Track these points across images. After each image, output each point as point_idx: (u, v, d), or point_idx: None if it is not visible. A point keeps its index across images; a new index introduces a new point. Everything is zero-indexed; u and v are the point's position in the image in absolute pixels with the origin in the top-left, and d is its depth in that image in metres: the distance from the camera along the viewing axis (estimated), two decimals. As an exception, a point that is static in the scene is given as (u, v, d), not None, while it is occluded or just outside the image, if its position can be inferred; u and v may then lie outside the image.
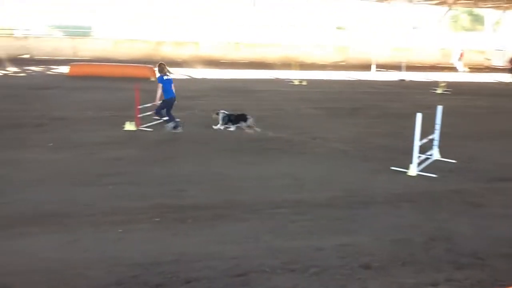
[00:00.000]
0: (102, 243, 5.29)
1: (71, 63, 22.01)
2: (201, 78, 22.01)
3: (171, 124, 10.76)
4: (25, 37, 29.06)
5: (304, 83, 21.00)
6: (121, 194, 6.80)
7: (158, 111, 10.73)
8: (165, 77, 10.64)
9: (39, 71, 22.97)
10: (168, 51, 29.50)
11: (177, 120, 10.85)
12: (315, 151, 9.65)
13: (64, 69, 21.90)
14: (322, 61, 31.12)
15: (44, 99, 14.74)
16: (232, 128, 11.09)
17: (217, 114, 11.27)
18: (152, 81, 19.31)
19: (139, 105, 10.96)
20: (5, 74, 21.54)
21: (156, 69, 11.02)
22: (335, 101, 16.49)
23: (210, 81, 21.10)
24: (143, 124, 10.97)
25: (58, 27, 32.93)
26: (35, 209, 6.16)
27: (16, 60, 25.98)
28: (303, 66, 26.39)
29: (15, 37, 29.37)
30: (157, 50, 29.38)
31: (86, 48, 28.88)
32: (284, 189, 7.28)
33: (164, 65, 10.81)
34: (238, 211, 6.34)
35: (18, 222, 5.75)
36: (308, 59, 30.79)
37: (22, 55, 27.77)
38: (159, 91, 10.57)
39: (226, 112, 11.26)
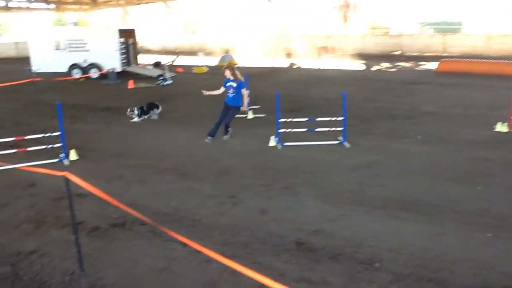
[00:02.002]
0: (468, 243, 5.22)
1: (441, 59, 22.12)
2: None
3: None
4: (399, 35, 30.91)
5: None
6: (490, 197, 6.49)
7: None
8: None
9: (408, 67, 24.11)
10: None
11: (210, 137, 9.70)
12: None
13: (432, 65, 22.22)
14: None
15: (413, 93, 15.43)
16: (146, 117, 12.06)
17: (132, 111, 12.03)
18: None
19: (515, 106, 10.07)
20: (378, 69, 23.59)
21: (228, 71, 9.64)
22: None
23: None
24: (517, 127, 10.05)
25: (429, 24, 33.51)
26: (403, 196, 6.61)
27: (389, 56, 28.04)
28: None
29: (390, 35, 31.63)
30: (536, 46, 26.10)
31: (456, 44, 28.39)
32: None
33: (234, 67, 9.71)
34: None
35: (390, 205, 6.31)
36: None
37: (395, 51, 29.70)
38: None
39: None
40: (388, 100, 14.14)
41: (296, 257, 4.92)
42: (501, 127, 10.11)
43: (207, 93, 9.85)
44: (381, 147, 9.12)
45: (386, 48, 29.75)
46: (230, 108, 9.59)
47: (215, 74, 21.48)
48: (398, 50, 29.77)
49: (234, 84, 9.43)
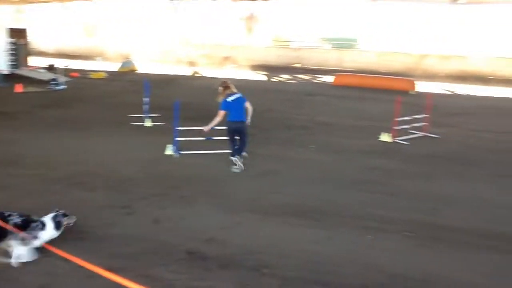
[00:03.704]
0: (353, 246, 5.54)
1: (336, 73, 23.40)
2: (465, 95, 20.53)
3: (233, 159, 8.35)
4: (299, 49, 32.17)
5: None
6: (374, 202, 6.95)
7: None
8: (230, 99, 8.14)
9: (306, 79, 25.17)
10: (431, 65, 28.41)
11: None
12: None
13: (329, 79, 23.41)
14: None
15: (310, 104, 16.13)
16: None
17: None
18: (412, 94, 19.03)
19: (398, 118, 10.95)
20: (279, 80, 24.35)
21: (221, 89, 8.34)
22: None
23: (477, 98, 19.47)
24: (399, 137, 10.91)
25: (327, 39, 35.31)
26: (296, 203, 6.85)
27: (289, 69, 29.07)
28: None
29: (291, 48, 32.80)
30: (419, 64, 28.61)
31: (351, 60, 30.16)
32: (561, 229, 6.25)
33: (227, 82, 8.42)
34: (499, 242, 5.74)
35: (283, 212, 6.50)
36: None
37: (295, 64, 30.85)
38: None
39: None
40: (286, 111, 14.62)
41: (187, 267, 4.86)
42: (385, 137, 10.92)
43: (209, 128, 8.36)
44: (278, 156, 9.38)
45: (287, 61, 30.77)
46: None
47: (113, 80, 20.77)
48: (298, 63, 30.96)
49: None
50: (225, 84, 8.31)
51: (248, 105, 8.24)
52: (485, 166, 9.13)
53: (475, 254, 5.42)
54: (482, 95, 20.55)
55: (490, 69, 27.51)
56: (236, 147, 8.34)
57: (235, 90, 8.28)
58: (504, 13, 29.95)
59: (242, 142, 8.39)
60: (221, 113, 8.11)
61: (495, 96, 20.26)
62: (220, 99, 8.24)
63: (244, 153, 8.45)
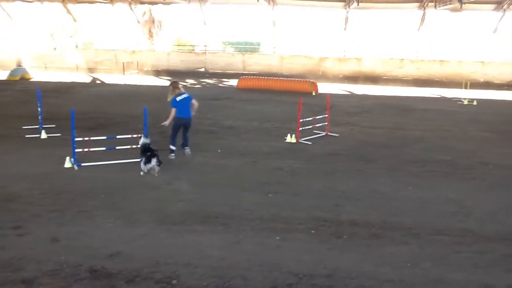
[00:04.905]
0: (261, 248, 5.60)
1: (241, 76, 23.67)
2: (361, 95, 21.80)
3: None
4: (203, 53, 32.11)
5: (474, 103, 19.39)
6: (280, 203, 7.10)
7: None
8: (178, 98, 9.29)
9: (212, 83, 25.19)
10: (330, 67, 29.88)
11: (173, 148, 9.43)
12: (485, 178, 8.83)
13: (234, 82, 23.64)
14: (498, 80, 28.32)
15: (216, 108, 16.12)
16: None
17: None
18: (314, 95, 19.82)
19: (301, 119, 11.32)
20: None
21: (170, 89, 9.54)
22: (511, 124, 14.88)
23: (371, 97, 20.76)
24: (303, 137, 11.28)
25: (231, 43, 35.68)
26: (202, 209, 6.78)
27: (194, 73, 28.93)
28: (474, 85, 24.30)
29: (196, 53, 32.63)
30: (320, 66, 29.96)
31: (255, 63, 30.73)
32: (447, 216, 6.83)
33: (176, 82, 9.70)
34: (395, 233, 6.14)
35: (188, 219, 6.40)
36: (481, 77, 28.30)
37: (199, 68, 30.75)
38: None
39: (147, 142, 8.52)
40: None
41: (90, 286, 4.59)
42: (290, 139, 11.23)
43: (168, 122, 9.28)
44: (184, 162, 9.25)
45: (191, 65, 30.57)
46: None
47: (3, 90, 19.22)
48: (202, 67, 30.89)
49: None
50: (174, 84, 9.57)
51: (194, 101, 9.55)
52: (380, 161, 9.73)
53: (377, 246, 5.73)
54: (375, 94, 21.95)
55: (382, 70, 29.55)
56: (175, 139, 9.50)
57: (183, 90, 9.49)
58: (392, 18, 32.40)
59: (185, 135, 9.63)
60: (174, 110, 9.19)
61: (387, 95, 21.75)
62: (170, 97, 9.34)
63: (187, 151, 9.64)
